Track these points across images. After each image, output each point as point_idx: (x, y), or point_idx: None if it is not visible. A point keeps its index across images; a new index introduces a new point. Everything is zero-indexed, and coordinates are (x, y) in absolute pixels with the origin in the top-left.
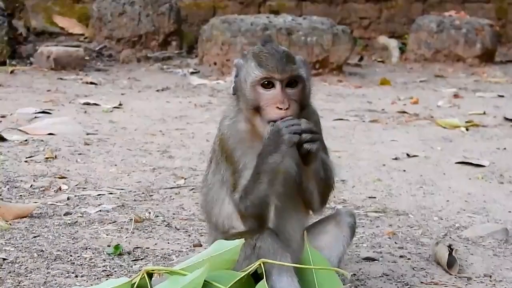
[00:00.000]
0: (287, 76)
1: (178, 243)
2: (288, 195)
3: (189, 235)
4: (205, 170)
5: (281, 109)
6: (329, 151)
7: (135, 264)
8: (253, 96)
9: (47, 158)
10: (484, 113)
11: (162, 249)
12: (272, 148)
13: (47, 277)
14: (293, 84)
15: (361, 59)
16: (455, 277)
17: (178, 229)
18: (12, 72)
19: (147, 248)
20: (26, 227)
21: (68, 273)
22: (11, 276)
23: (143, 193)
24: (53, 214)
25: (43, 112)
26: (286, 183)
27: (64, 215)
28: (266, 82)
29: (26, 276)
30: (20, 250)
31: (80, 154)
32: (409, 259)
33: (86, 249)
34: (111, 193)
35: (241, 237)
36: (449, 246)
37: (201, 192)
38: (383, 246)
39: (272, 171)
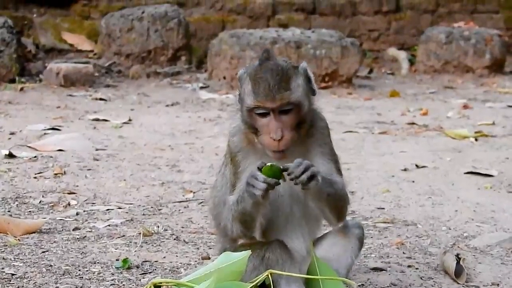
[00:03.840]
0: (278, 104)
1: (186, 256)
2: (296, 208)
3: (198, 248)
4: (216, 174)
5: (274, 139)
6: (339, 159)
7: (143, 278)
8: (250, 120)
9: (56, 174)
10: (494, 123)
11: (171, 262)
12: (248, 192)
13: None
14: (286, 109)
15: (370, 71)
16: (463, 286)
17: (187, 242)
18: (21, 89)
19: (155, 261)
20: (35, 243)
21: None
22: None
23: (152, 207)
24: (62, 229)
25: (52, 128)
26: (280, 195)
27: (73, 230)
28: (259, 110)
29: None
30: (28, 265)
31: (89, 169)
32: (417, 268)
33: (95, 263)
34: (120, 208)
35: (249, 248)
36: (457, 255)
37: (210, 196)
38: (391, 256)
39: (251, 204)
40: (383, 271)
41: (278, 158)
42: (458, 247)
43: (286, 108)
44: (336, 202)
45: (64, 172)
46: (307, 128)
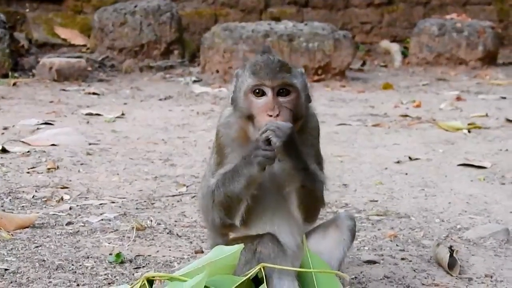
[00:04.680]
0: (278, 83)
1: (179, 250)
2: (283, 203)
3: (191, 242)
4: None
5: (271, 116)
6: (324, 162)
7: (136, 272)
8: (246, 105)
9: (49, 168)
10: (486, 115)
11: (164, 256)
12: (250, 159)
13: (48, 286)
14: (285, 93)
15: (363, 64)
16: (456, 278)
17: (180, 236)
18: (14, 84)
19: (148, 255)
20: (28, 237)
21: (70, 282)
22: (13, 286)
23: (145, 201)
24: (55, 224)
25: (45, 123)
26: (266, 187)
27: (66, 224)
28: (257, 90)
29: (28, 286)
30: (22, 260)
31: (82, 164)
32: (410, 261)
33: (88, 258)
34: (113, 202)
35: (241, 242)
36: (450, 247)
37: (200, 187)
38: (385, 248)
39: (247, 179)
40: (377, 264)
41: None
42: (451, 239)
43: (285, 89)
44: (309, 198)
45: (57, 166)
46: (300, 125)
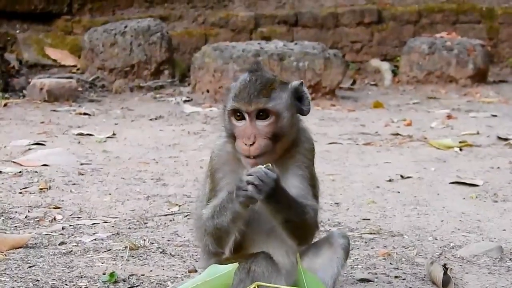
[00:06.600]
0: (253, 109)
1: (173, 270)
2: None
3: (184, 261)
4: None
5: (246, 144)
6: (318, 183)
7: None
8: (229, 126)
9: (41, 189)
10: (478, 133)
11: (157, 275)
12: (233, 197)
13: None
14: (263, 116)
15: (353, 82)
16: None
17: (173, 256)
18: (5, 105)
19: (142, 275)
20: (21, 258)
21: None
22: None
23: (137, 221)
24: (48, 244)
25: (36, 143)
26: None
27: (59, 244)
28: (238, 114)
29: None
30: (15, 280)
31: (74, 184)
32: (404, 279)
33: (81, 277)
34: (105, 222)
35: (235, 261)
36: (444, 265)
37: (195, 208)
38: (378, 267)
39: (232, 214)
40: (370, 282)
41: (250, 164)
42: (445, 257)
43: (262, 114)
44: (298, 228)
45: (49, 187)
46: (287, 145)
